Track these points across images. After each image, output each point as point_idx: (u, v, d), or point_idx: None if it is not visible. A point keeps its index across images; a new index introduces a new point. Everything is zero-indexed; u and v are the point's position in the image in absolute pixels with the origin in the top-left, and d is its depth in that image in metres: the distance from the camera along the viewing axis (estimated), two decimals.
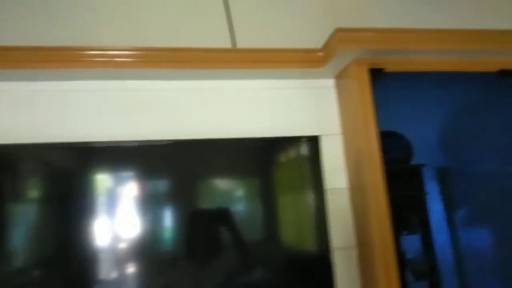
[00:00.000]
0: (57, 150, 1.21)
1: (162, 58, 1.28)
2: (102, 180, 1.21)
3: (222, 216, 1.21)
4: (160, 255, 1.18)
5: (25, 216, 1.15)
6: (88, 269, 1.13)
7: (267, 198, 1.23)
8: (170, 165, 1.24)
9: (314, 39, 1.37)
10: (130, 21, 1.38)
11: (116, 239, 1.15)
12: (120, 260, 1.15)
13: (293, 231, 1.22)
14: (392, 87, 1.45)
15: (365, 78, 1.24)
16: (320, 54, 1.29)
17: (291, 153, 1.26)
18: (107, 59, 1.26)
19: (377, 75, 1.28)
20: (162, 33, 1.39)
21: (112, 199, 1.18)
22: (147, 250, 1.16)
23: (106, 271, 1.14)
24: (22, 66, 1.19)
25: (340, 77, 1.36)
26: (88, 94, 1.31)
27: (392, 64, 1.30)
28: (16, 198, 1.16)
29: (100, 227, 1.15)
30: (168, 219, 1.21)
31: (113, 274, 1.14)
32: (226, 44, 1.42)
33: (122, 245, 1.16)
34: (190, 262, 1.18)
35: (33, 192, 1.18)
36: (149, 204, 1.19)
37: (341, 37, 1.19)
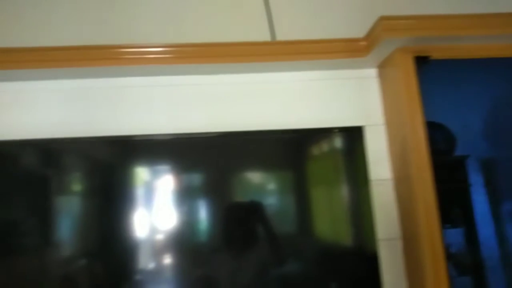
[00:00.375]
0: (100, 144, 1.25)
1: (203, 53, 1.30)
2: (142, 173, 1.25)
3: (254, 209, 1.22)
4: (196, 247, 1.21)
5: (70, 208, 1.21)
6: (128, 259, 1.17)
7: (310, 189, 1.23)
8: (208, 158, 1.26)
9: (354, 28, 1.35)
10: (172, 18, 1.41)
11: (154, 230, 1.19)
12: (157, 251, 1.18)
13: (337, 223, 1.22)
14: (436, 75, 1.40)
15: (410, 66, 1.22)
16: (363, 43, 1.28)
17: (335, 144, 1.25)
18: (152, 56, 1.29)
19: (421, 63, 1.25)
20: (202, 29, 1.41)
21: (151, 191, 1.21)
22: (183, 242, 1.19)
23: (145, 261, 1.18)
24: (72, 64, 1.25)
25: (383, 66, 1.34)
26: (135, 90, 1.35)
27: (437, 51, 1.27)
28: (62, 191, 1.22)
29: (140, 219, 1.19)
30: (203, 212, 1.23)
31: (151, 265, 1.18)
32: (265, 37, 1.42)
33: (159, 237, 1.19)
34: (225, 254, 1.21)
35: (77, 185, 1.24)
36: (185, 196, 1.22)
37: (385, 25, 1.17)
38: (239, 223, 1.23)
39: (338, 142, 1.25)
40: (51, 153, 1.23)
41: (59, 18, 1.39)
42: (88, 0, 1.41)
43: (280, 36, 1.41)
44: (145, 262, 1.18)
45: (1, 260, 1.15)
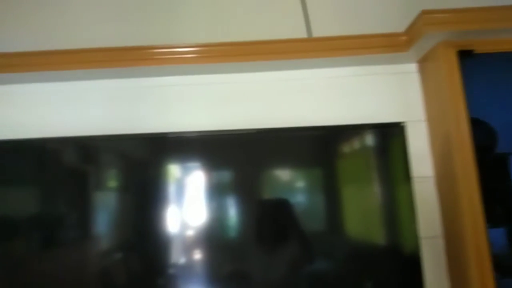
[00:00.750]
0: (135, 141, 1.29)
1: (239, 52, 1.32)
2: (174, 169, 1.28)
3: (283, 206, 1.22)
4: (226, 243, 1.23)
5: (107, 204, 1.25)
6: (161, 253, 1.21)
7: (349, 186, 1.22)
8: (241, 155, 1.27)
9: (390, 23, 1.33)
10: (208, 18, 1.44)
11: (186, 226, 1.21)
12: (189, 246, 1.21)
13: (375, 221, 1.21)
14: (479, 70, 1.36)
15: (453, 60, 1.18)
16: (403, 38, 1.25)
17: (375, 141, 1.24)
18: (189, 55, 1.32)
19: (465, 57, 1.21)
20: (239, 27, 1.43)
21: (183, 188, 1.24)
22: (213, 238, 1.21)
23: (177, 256, 1.21)
24: (113, 65, 1.30)
25: (424, 61, 1.31)
26: (172, 89, 1.39)
27: (481, 45, 1.23)
28: (99, 186, 1.27)
29: (173, 215, 1.22)
30: (234, 208, 1.25)
31: (183, 259, 1.21)
32: (301, 34, 1.42)
33: (191, 232, 1.22)
34: (254, 250, 1.22)
35: (114, 182, 1.29)
36: (216, 193, 1.24)
37: (427, 19, 1.14)
38: (268, 220, 1.24)
39: (378, 138, 1.24)
40: (90, 150, 1.28)
41: (102, 20, 1.45)
42: (129, 2, 1.46)
43: (317, 33, 1.41)
44: (178, 257, 1.21)
45: (46, 251, 1.21)
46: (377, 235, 1.21)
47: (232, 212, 1.24)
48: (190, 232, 1.21)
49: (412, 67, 1.35)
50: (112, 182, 1.28)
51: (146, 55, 1.32)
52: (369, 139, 1.23)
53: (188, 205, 1.22)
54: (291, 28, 1.43)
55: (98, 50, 1.31)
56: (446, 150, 1.19)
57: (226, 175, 1.29)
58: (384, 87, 1.35)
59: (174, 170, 1.27)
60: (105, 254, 1.22)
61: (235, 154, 1.27)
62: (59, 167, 1.27)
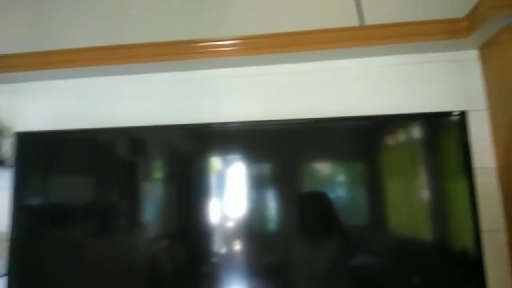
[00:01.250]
0: (181, 132, 1.31)
1: (291, 42, 1.32)
2: (215, 161, 1.28)
3: (321, 199, 1.21)
4: (265, 235, 1.24)
5: (154, 194, 1.29)
6: (204, 242, 1.23)
7: (405, 178, 1.19)
8: (294, 144, 1.25)
9: (445, 8, 1.28)
10: (260, 8, 1.44)
11: (227, 217, 1.23)
12: (230, 236, 1.23)
13: (439, 212, 1.17)
14: None
15: None
16: (464, 23, 1.20)
17: (434, 130, 1.19)
18: (242, 47, 1.34)
19: None
20: (290, 17, 1.42)
21: (224, 179, 1.25)
22: (254, 229, 1.22)
23: (219, 245, 1.23)
24: (174, 58, 1.33)
25: (487, 47, 1.25)
26: (226, 81, 1.42)
27: None
28: (147, 177, 1.31)
29: (218, 205, 1.23)
30: (274, 201, 1.25)
31: (225, 249, 1.23)
32: (353, 22, 1.39)
33: (232, 223, 1.23)
34: (293, 243, 1.21)
35: (160, 172, 1.32)
36: (256, 185, 1.24)
37: (492, 2, 1.09)
38: (308, 212, 1.23)
39: (436, 128, 1.19)
40: (139, 141, 1.32)
41: (155, 16, 1.49)
42: None
43: (369, 21, 1.38)
44: (220, 246, 1.24)
45: (98, 237, 1.28)
46: (433, 230, 1.17)
47: (272, 204, 1.24)
48: (232, 223, 1.23)
49: (473, 53, 1.29)
50: (159, 173, 1.32)
51: (198, 49, 1.35)
52: (427, 129, 1.19)
53: (230, 197, 1.24)
54: (342, 16, 1.40)
55: (150, 45, 1.35)
56: (510, 140, 1.14)
57: (267, 168, 1.29)
58: (442, 76, 1.30)
59: (216, 161, 1.29)
60: (153, 241, 1.26)
61: (280, 145, 1.27)
62: (111, 157, 1.32)
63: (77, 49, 1.38)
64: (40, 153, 1.33)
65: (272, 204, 1.25)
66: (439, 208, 1.15)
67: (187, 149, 1.31)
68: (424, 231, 1.17)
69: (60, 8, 1.54)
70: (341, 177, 1.24)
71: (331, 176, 1.24)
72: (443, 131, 1.17)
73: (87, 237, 1.28)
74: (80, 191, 1.30)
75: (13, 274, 1.25)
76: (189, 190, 1.27)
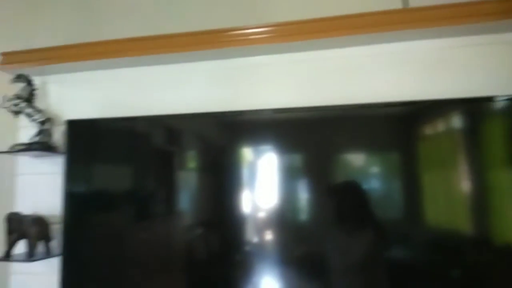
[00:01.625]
0: (214, 119, 1.33)
1: (334, 27, 1.28)
2: (247, 153, 1.30)
3: (353, 189, 1.20)
4: (297, 225, 1.24)
5: (189, 183, 1.33)
6: (237, 231, 1.25)
7: (452, 166, 1.14)
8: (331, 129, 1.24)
9: None
10: None
11: (259, 207, 1.24)
12: (262, 226, 1.24)
13: (482, 204, 1.11)
14: None
15: None
16: None
17: (478, 117, 1.13)
18: (276, 34, 1.32)
19: None
20: (331, 1, 1.39)
21: (256, 168, 1.26)
22: (286, 219, 1.23)
23: (251, 235, 1.25)
24: (215, 46, 1.34)
25: None
26: (267, 68, 1.41)
27: None
28: (181, 166, 1.34)
29: (251, 195, 1.25)
30: (306, 191, 1.25)
31: (257, 238, 1.24)
32: (396, 4, 1.34)
33: (264, 213, 1.24)
34: (325, 234, 1.21)
35: (194, 162, 1.35)
36: (288, 175, 1.24)
37: None
38: (341, 203, 1.21)
39: (480, 113, 1.12)
40: (175, 131, 1.35)
41: (195, 4, 1.51)
42: None
43: (414, 3, 1.32)
44: (253, 236, 1.25)
45: (137, 223, 1.34)
46: (476, 223, 1.11)
47: (305, 195, 1.25)
48: (264, 213, 1.24)
49: None
50: (193, 163, 1.35)
51: (233, 37, 1.34)
52: (470, 116, 1.12)
53: (262, 187, 1.24)
54: None
55: (187, 34, 1.36)
56: None
57: (299, 157, 1.29)
58: (495, 59, 1.23)
59: (248, 152, 1.30)
60: (188, 229, 1.30)
61: (313, 134, 1.25)
62: (150, 145, 1.37)
63: (122, 40, 1.41)
64: (89, 140, 1.40)
65: (304, 195, 1.25)
66: (482, 200, 1.10)
67: (220, 138, 1.33)
68: (466, 224, 1.12)
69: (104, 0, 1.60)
70: (378, 168, 1.22)
71: (367, 166, 1.22)
72: (487, 117, 1.10)
73: (129, 222, 1.34)
74: (123, 178, 1.36)
75: (66, 254, 1.33)
76: (223, 180, 1.29)
